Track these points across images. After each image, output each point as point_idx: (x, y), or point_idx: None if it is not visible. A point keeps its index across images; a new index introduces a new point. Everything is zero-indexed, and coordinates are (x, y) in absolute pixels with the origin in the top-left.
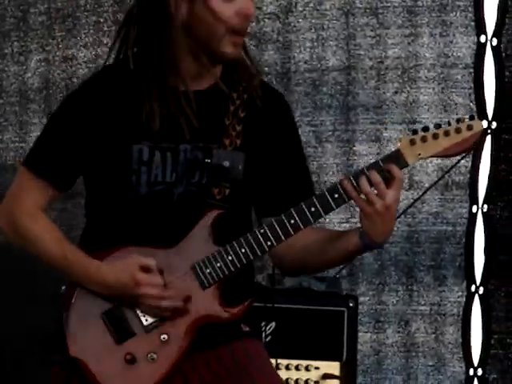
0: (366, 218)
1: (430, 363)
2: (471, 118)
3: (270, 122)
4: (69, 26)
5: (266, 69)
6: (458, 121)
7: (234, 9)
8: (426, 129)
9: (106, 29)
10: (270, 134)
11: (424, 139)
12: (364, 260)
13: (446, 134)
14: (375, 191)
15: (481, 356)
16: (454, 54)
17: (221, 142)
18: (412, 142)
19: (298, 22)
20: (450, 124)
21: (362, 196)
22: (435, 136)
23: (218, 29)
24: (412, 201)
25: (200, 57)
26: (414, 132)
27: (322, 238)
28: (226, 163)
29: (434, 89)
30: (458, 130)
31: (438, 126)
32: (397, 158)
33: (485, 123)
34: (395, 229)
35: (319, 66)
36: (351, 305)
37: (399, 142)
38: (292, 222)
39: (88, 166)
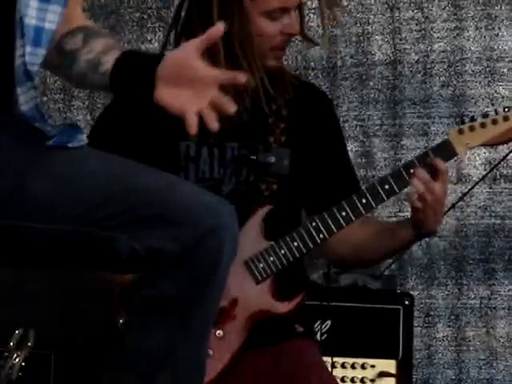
0: (419, 212)
1: (482, 357)
2: None
3: (312, 119)
4: (112, 22)
5: (312, 64)
6: (505, 109)
7: (278, 27)
8: (473, 118)
9: (149, 25)
10: (314, 130)
11: (472, 128)
12: (413, 254)
13: (494, 122)
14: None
15: None
16: (500, 47)
17: (266, 140)
18: (460, 132)
19: (342, 16)
20: (497, 113)
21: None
22: (483, 125)
23: (262, 45)
24: (460, 195)
25: (240, 64)
26: (462, 122)
27: (374, 231)
28: (272, 159)
29: (480, 82)
30: (505, 118)
31: (485, 115)
32: (446, 148)
33: None
34: (444, 223)
35: (365, 60)
36: (407, 303)
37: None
38: (343, 213)
39: None
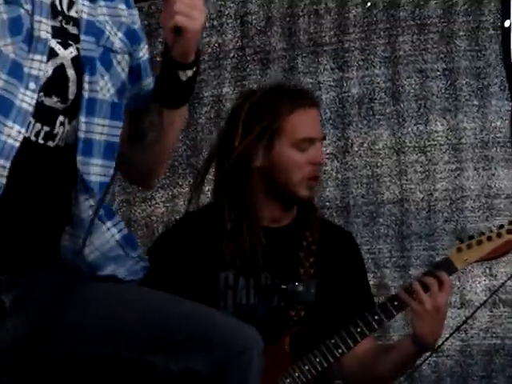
0: (418, 318)
1: None
2: (510, 223)
3: (339, 254)
4: None
5: (327, 203)
6: (499, 227)
7: (306, 158)
8: (471, 237)
9: (180, 171)
10: (339, 264)
11: (469, 246)
12: (422, 372)
13: (489, 239)
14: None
15: None
16: (497, 185)
17: (297, 271)
18: (459, 250)
19: (354, 160)
20: (491, 231)
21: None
22: (479, 242)
23: (295, 176)
24: (464, 318)
25: (277, 201)
26: (461, 241)
27: (380, 347)
28: (300, 288)
29: (479, 217)
30: (499, 235)
31: (481, 233)
32: (447, 264)
33: None
34: (450, 343)
35: (375, 199)
36: None
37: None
38: (358, 329)
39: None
